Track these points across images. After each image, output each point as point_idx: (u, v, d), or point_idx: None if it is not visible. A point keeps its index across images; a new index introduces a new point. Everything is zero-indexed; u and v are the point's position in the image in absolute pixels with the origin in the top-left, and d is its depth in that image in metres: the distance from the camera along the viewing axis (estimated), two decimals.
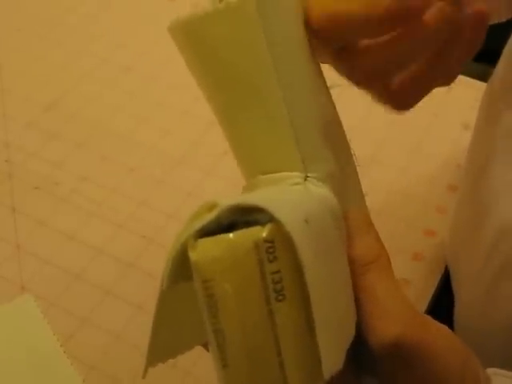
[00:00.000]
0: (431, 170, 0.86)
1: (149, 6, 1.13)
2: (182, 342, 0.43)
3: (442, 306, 0.73)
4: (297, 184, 0.41)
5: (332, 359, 0.36)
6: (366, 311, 0.41)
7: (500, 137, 0.65)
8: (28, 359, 0.71)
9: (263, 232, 0.34)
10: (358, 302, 0.42)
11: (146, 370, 0.41)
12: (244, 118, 0.43)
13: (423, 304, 0.75)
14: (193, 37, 0.43)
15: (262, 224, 0.34)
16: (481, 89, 0.69)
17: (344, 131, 0.46)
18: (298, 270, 0.34)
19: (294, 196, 0.40)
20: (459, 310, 0.74)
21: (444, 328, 0.43)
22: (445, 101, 0.93)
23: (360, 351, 0.42)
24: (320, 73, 0.45)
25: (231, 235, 0.34)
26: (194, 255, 0.34)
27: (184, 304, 0.37)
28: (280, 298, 0.34)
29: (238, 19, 0.41)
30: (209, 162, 0.89)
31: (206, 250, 0.34)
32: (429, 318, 0.43)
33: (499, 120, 0.64)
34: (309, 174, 0.42)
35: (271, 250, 0.34)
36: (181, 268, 0.36)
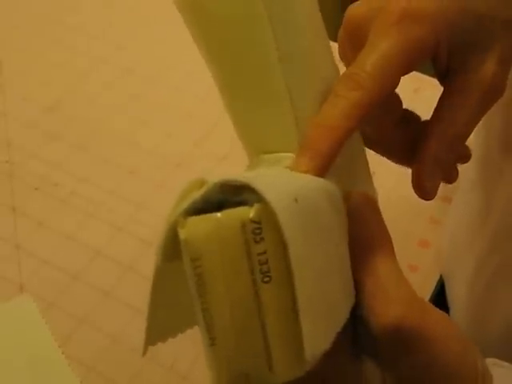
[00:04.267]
0: None
1: (151, 6, 1.14)
2: (180, 321, 0.43)
3: None
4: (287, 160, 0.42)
5: (316, 341, 0.35)
6: (367, 293, 0.42)
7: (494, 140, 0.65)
8: (26, 359, 0.71)
9: (250, 212, 0.34)
10: (359, 284, 0.42)
11: (145, 348, 0.41)
12: (245, 96, 0.43)
13: None
14: (197, 12, 0.43)
15: (250, 204, 0.34)
16: None
17: None
18: (285, 251, 0.34)
19: (287, 175, 0.40)
20: (454, 319, 0.75)
21: (444, 315, 0.43)
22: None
23: (361, 335, 0.43)
24: (327, 49, 0.45)
25: (219, 214, 0.34)
26: (182, 233, 0.34)
27: (180, 283, 0.36)
28: (266, 279, 0.34)
29: None
30: (209, 165, 0.89)
31: (195, 229, 0.34)
32: (429, 303, 0.43)
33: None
34: None
35: (258, 231, 0.34)
36: (172, 246, 0.36)
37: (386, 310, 0.41)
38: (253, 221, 0.34)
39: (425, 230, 0.83)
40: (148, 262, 0.82)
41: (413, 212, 0.83)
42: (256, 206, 0.34)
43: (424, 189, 0.48)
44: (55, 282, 0.79)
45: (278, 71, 0.42)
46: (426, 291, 0.77)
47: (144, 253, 0.81)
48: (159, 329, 0.42)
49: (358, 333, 0.43)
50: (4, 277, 0.80)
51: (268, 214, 0.33)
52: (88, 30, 1.11)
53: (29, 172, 0.90)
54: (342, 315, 0.40)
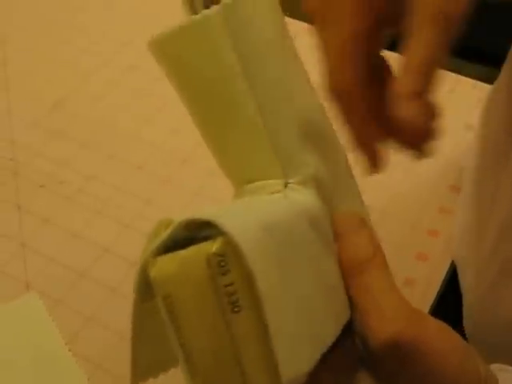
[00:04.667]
0: (434, 170, 0.86)
1: (154, 4, 1.14)
2: (165, 359, 0.43)
3: (449, 304, 0.74)
4: (277, 192, 0.42)
5: (294, 365, 0.36)
6: (362, 310, 0.42)
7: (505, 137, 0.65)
8: (33, 357, 0.71)
9: (213, 246, 0.34)
10: (353, 301, 0.42)
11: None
12: (222, 130, 0.43)
13: (428, 303, 0.75)
14: (167, 54, 0.44)
15: (214, 238, 0.35)
16: (483, 89, 0.70)
17: (332, 128, 0.46)
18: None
19: (259, 205, 0.40)
20: (467, 307, 0.74)
21: (442, 326, 0.43)
22: (448, 101, 0.93)
23: (359, 349, 0.43)
24: (301, 72, 0.45)
25: (184, 251, 0.35)
26: (152, 272, 0.35)
27: (160, 321, 0.37)
28: (236, 309, 0.35)
29: (204, 33, 0.42)
30: (215, 160, 0.89)
31: (163, 267, 0.35)
32: (427, 315, 0.43)
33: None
34: (290, 180, 0.42)
35: (223, 264, 0.34)
36: (146, 286, 0.37)
37: (382, 327, 0.41)
38: (216, 254, 0.34)
39: (434, 220, 0.82)
40: None
41: (422, 202, 0.83)
42: (219, 239, 0.34)
43: (405, 120, 0.46)
44: (62, 280, 0.79)
45: (249, 103, 0.42)
46: (436, 280, 0.76)
47: None
48: (145, 366, 0.43)
49: (355, 347, 0.43)
50: (10, 275, 0.79)
51: (232, 246, 0.34)
52: (92, 28, 1.11)
53: (34, 170, 0.90)
54: (329, 335, 0.41)
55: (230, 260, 0.35)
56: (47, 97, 0.99)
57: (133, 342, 0.41)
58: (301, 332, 0.37)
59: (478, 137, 0.74)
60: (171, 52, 0.43)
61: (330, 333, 0.41)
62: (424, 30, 0.45)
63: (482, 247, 0.69)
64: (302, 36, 1.07)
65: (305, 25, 1.10)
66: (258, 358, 0.36)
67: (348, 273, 0.43)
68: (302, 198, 0.42)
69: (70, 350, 0.72)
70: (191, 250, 0.35)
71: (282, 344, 0.35)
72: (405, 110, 0.46)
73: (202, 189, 0.87)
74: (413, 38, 0.46)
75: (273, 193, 0.42)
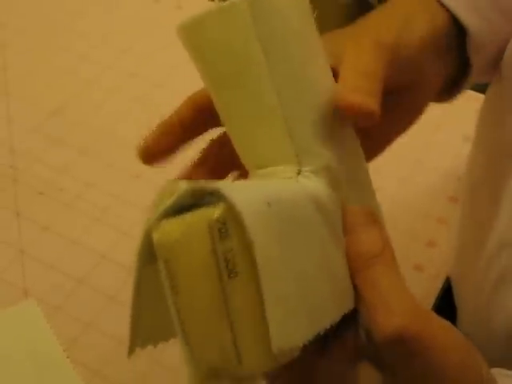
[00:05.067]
0: (432, 181, 0.86)
1: (155, 12, 1.14)
2: (164, 328, 0.43)
3: (443, 316, 0.74)
4: (289, 178, 0.43)
5: (286, 336, 0.37)
6: (368, 304, 0.42)
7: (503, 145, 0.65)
8: (31, 364, 0.71)
9: (215, 212, 0.36)
10: (360, 295, 0.43)
11: (130, 353, 0.43)
12: (241, 115, 0.44)
13: None
14: (194, 39, 0.45)
15: (217, 205, 0.36)
16: (481, 101, 0.70)
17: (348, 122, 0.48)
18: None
19: (265, 184, 0.42)
20: (461, 319, 0.74)
21: (446, 324, 0.44)
22: (446, 113, 0.94)
23: (363, 340, 0.44)
24: (323, 65, 0.46)
25: (187, 216, 0.36)
26: (155, 236, 0.36)
27: (161, 288, 0.38)
28: (232, 275, 0.36)
29: (230, 20, 0.42)
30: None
31: (166, 231, 0.36)
32: (432, 312, 0.44)
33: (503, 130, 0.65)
34: (302, 168, 0.43)
35: (223, 230, 0.35)
36: (150, 251, 0.37)
37: (387, 321, 0.41)
38: (218, 220, 0.35)
39: (433, 231, 0.83)
40: None
41: (420, 213, 0.83)
42: (221, 205, 0.36)
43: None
44: (60, 287, 0.79)
45: (270, 90, 0.43)
46: (433, 291, 0.77)
47: None
48: (144, 333, 0.43)
49: (359, 338, 0.43)
50: (8, 281, 0.79)
51: (234, 214, 0.35)
52: (92, 35, 1.11)
53: (33, 177, 0.90)
54: (328, 317, 0.41)
55: (230, 227, 0.36)
56: (47, 103, 1.00)
57: (133, 307, 0.42)
58: (297, 306, 0.38)
59: (474, 148, 0.74)
60: (197, 37, 0.44)
61: (329, 315, 0.41)
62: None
63: (480, 259, 0.69)
64: None
65: None
66: (250, 327, 0.37)
67: (356, 266, 0.43)
68: (313, 184, 0.42)
69: (68, 357, 0.72)
70: (194, 215, 0.36)
71: (275, 314, 0.36)
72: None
73: None
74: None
75: (284, 178, 0.43)
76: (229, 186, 0.36)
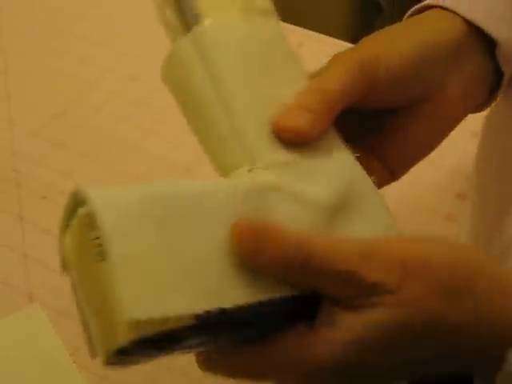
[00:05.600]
0: (440, 178, 0.86)
1: (155, 15, 1.13)
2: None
3: None
4: (241, 176, 0.48)
5: (140, 306, 0.40)
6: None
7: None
8: (37, 369, 0.70)
9: (82, 211, 0.42)
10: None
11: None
12: (203, 132, 0.51)
13: None
14: (164, 74, 0.55)
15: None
16: None
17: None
18: None
19: (169, 184, 0.45)
20: None
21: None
22: None
23: None
24: (283, 78, 0.51)
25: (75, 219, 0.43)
26: (61, 246, 0.45)
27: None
28: (100, 258, 0.41)
29: (180, 58, 0.52)
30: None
31: (64, 242, 0.44)
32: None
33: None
34: (255, 166, 0.48)
35: (92, 222, 0.41)
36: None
37: None
38: (85, 215, 0.42)
39: (441, 228, 0.82)
40: None
41: (428, 210, 0.82)
42: (85, 206, 0.42)
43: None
44: (65, 291, 0.77)
45: (219, 114, 0.49)
46: None
47: None
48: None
49: None
50: (13, 286, 0.79)
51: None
52: (93, 38, 1.10)
53: (36, 180, 0.90)
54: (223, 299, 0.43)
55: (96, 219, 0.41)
56: (48, 107, 0.99)
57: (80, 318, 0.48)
58: (163, 281, 0.41)
59: (482, 145, 0.74)
60: (165, 73, 0.54)
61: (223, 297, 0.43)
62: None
63: (490, 255, 0.68)
64: (307, 44, 1.07)
65: (309, 32, 1.10)
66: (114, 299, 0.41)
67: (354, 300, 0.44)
68: (259, 178, 0.47)
69: (74, 362, 0.71)
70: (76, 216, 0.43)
71: (127, 287, 0.40)
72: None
73: None
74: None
75: (237, 177, 0.48)
76: (95, 190, 0.42)
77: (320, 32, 1.09)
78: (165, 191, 0.43)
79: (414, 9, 0.59)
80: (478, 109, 0.60)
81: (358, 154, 0.51)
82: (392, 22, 0.59)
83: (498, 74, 0.58)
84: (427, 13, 0.58)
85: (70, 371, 0.70)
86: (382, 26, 0.57)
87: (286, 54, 0.53)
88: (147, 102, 1.00)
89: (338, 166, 0.50)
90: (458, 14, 0.56)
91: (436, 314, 0.43)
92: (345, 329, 0.43)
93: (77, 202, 0.43)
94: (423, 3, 0.58)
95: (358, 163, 0.51)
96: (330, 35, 1.08)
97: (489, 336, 0.44)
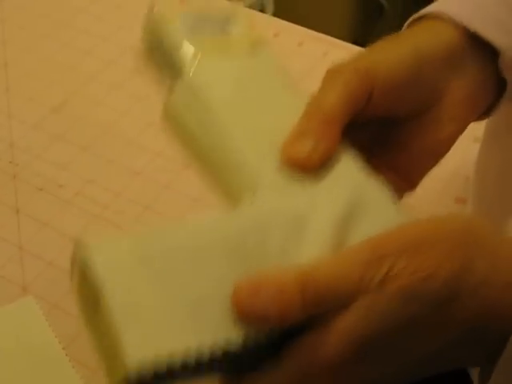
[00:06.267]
0: (440, 182, 0.86)
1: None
2: None
3: None
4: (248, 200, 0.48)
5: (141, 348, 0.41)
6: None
7: None
8: (29, 362, 0.70)
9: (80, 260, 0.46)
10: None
11: None
12: (206, 173, 0.52)
13: None
14: (164, 120, 0.57)
15: None
16: None
17: None
18: None
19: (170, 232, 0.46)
20: None
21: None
22: None
23: None
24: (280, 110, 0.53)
25: None
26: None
27: None
28: (96, 308, 0.43)
29: (171, 108, 0.56)
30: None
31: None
32: None
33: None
34: (258, 188, 0.48)
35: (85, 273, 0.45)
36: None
37: None
38: (83, 265, 0.45)
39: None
40: None
41: (427, 214, 0.82)
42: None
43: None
44: (59, 284, 0.78)
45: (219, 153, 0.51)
46: None
47: None
48: None
49: None
50: (7, 278, 0.78)
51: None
52: (94, 31, 1.10)
53: (33, 173, 0.89)
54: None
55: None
56: (47, 100, 0.99)
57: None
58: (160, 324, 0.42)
59: (485, 150, 0.74)
60: (164, 120, 0.57)
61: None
62: None
63: None
64: (308, 44, 1.07)
65: (310, 32, 1.10)
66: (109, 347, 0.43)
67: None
68: (262, 202, 0.47)
69: (66, 355, 0.71)
70: None
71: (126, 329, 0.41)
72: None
73: (201, 195, 0.86)
74: None
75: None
76: (92, 243, 0.45)
77: (321, 32, 1.09)
78: (159, 239, 0.44)
79: (413, 17, 0.59)
80: (481, 117, 0.60)
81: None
82: (394, 22, 0.59)
83: (500, 82, 0.58)
84: (425, 23, 0.58)
85: (62, 364, 0.70)
86: (384, 27, 0.58)
87: (281, 81, 0.54)
88: (148, 96, 0.99)
89: (342, 174, 0.50)
90: (458, 23, 0.56)
91: (455, 274, 0.42)
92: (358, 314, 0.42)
93: (75, 251, 0.46)
94: (423, 11, 0.58)
95: (364, 167, 0.51)
96: (332, 35, 1.08)
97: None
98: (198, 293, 0.43)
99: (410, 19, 0.59)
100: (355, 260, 0.43)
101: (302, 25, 1.10)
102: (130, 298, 0.42)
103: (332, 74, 0.52)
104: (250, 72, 0.54)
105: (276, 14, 1.61)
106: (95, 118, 0.97)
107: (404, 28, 0.60)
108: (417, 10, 0.59)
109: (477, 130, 0.88)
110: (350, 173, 0.50)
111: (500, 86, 0.58)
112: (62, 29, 1.10)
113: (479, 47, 0.56)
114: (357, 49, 1.04)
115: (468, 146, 0.88)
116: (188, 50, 0.54)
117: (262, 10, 1.85)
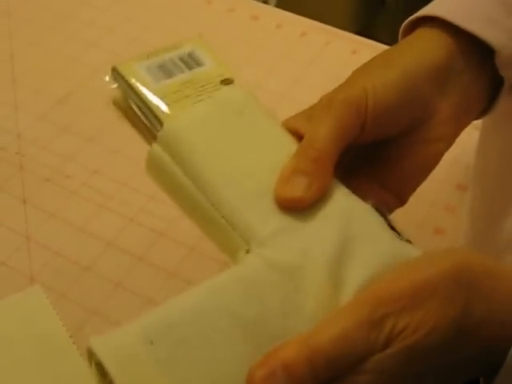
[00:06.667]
0: (440, 169, 0.86)
1: (162, 1, 1.14)
2: None
3: None
4: (241, 259, 0.47)
5: None
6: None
7: None
8: (37, 350, 0.71)
9: (93, 359, 0.48)
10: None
11: None
12: (197, 222, 0.52)
13: None
14: (148, 174, 0.55)
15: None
16: None
17: None
18: None
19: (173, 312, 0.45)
20: None
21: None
22: None
23: None
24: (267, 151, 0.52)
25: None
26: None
27: None
28: None
29: (155, 161, 0.53)
30: None
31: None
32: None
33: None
34: (250, 246, 0.47)
35: (102, 369, 0.46)
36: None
37: None
38: (96, 363, 0.48)
39: (440, 219, 0.83)
40: (159, 253, 0.82)
41: (428, 201, 0.83)
42: (94, 355, 0.47)
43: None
44: (66, 274, 0.79)
45: (204, 204, 0.50)
46: None
47: (155, 243, 0.81)
48: None
49: None
50: (15, 268, 0.79)
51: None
52: (100, 23, 1.11)
53: (40, 164, 0.90)
54: None
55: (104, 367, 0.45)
56: (53, 91, 1.00)
57: None
58: None
59: (486, 138, 0.74)
60: (148, 174, 0.55)
61: None
62: None
63: (490, 248, 0.68)
64: (310, 34, 1.07)
65: (313, 22, 1.10)
66: None
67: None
68: (256, 260, 0.46)
69: (74, 343, 0.71)
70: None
71: None
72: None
73: None
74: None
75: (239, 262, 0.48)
76: (101, 340, 0.48)
77: (324, 22, 1.09)
78: (163, 321, 0.44)
79: (408, 21, 0.59)
80: (478, 117, 0.61)
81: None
82: (395, 13, 0.59)
83: (496, 81, 0.58)
84: (416, 34, 0.58)
85: (70, 352, 0.71)
86: (386, 18, 0.58)
87: (259, 117, 0.53)
88: None
89: (331, 209, 0.49)
90: (451, 26, 0.56)
91: (458, 318, 0.43)
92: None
93: (90, 351, 0.49)
94: (416, 14, 0.58)
95: (351, 195, 0.51)
96: (334, 26, 1.08)
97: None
98: (207, 372, 0.43)
99: (406, 22, 0.59)
100: (357, 321, 0.43)
101: (305, 15, 1.10)
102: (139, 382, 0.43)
103: (324, 108, 0.52)
104: (223, 113, 0.53)
105: (279, 5, 1.61)
106: (101, 108, 0.97)
107: (400, 33, 0.60)
108: (417, 2, 0.59)
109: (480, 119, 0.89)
110: (338, 206, 0.49)
111: (496, 83, 0.59)
112: (67, 21, 1.11)
113: (473, 49, 0.56)
114: (358, 39, 1.05)
115: (468, 133, 0.88)
116: (158, 103, 0.54)
117: (265, 1, 1.86)
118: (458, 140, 0.89)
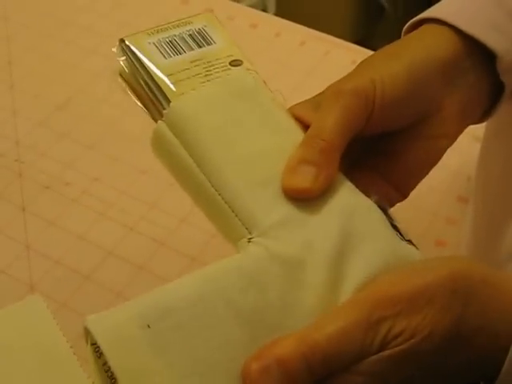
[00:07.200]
0: (441, 181, 0.86)
1: (161, 6, 1.14)
2: None
3: None
4: (244, 248, 0.47)
5: None
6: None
7: None
8: (37, 360, 0.70)
9: (89, 340, 0.48)
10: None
11: None
12: (200, 205, 0.51)
13: None
14: (154, 153, 0.54)
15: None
16: None
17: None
18: None
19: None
20: None
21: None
22: None
23: None
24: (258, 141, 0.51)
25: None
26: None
27: None
28: (113, 380, 0.45)
29: (160, 140, 0.52)
30: None
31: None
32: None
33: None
34: (251, 236, 0.47)
35: (97, 349, 0.48)
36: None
37: None
38: (92, 344, 0.48)
39: (442, 231, 0.83)
40: (160, 262, 0.82)
41: (429, 213, 0.83)
42: (89, 335, 0.48)
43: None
44: (66, 282, 0.79)
45: (208, 187, 0.49)
46: None
47: (156, 252, 0.81)
48: None
49: None
50: (14, 277, 0.79)
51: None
52: (99, 29, 1.11)
53: (39, 171, 0.90)
54: None
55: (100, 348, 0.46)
56: (52, 97, 0.99)
57: None
58: None
59: (483, 151, 0.74)
60: (154, 153, 0.54)
61: None
62: None
63: (491, 260, 0.68)
64: (310, 43, 1.07)
65: (312, 31, 1.10)
66: None
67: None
68: (258, 250, 0.46)
69: (74, 353, 0.71)
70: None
71: None
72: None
73: None
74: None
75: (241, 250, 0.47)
76: (97, 320, 0.47)
77: (323, 31, 1.09)
78: (161, 306, 0.44)
79: (412, 21, 0.59)
80: (479, 120, 0.61)
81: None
82: (394, 23, 0.59)
83: (498, 86, 0.58)
84: (422, 29, 0.58)
85: (70, 362, 0.71)
86: (385, 27, 0.58)
87: (267, 103, 0.52)
88: None
89: (335, 202, 0.49)
90: (455, 28, 0.56)
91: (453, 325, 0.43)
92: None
93: (86, 330, 0.48)
94: (420, 16, 0.59)
95: (355, 190, 0.50)
96: (333, 35, 1.08)
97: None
98: (202, 359, 0.43)
99: (409, 23, 0.59)
100: (355, 321, 0.43)
101: (304, 24, 1.10)
102: (133, 365, 0.44)
103: (332, 97, 0.52)
104: (231, 95, 0.52)
105: (278, 14, 1.61)
106: (100, 115, 0.97)
107: (402, 33, 0.60)
108: (417, 11, 0.59)
109: (477, 129, 0.88)
110: (342, 201, 0.49)
111: (497, 89, 0.59)
112: (65, 27, 1.11)
113: (475, 53, 0.57)
114: (358, 48, 1.05)
115: (469, 145, 0.88)
116: (166, 80, 0.53)
117: (264, 10, 1.85)
118: (459, 152, 0.89)
